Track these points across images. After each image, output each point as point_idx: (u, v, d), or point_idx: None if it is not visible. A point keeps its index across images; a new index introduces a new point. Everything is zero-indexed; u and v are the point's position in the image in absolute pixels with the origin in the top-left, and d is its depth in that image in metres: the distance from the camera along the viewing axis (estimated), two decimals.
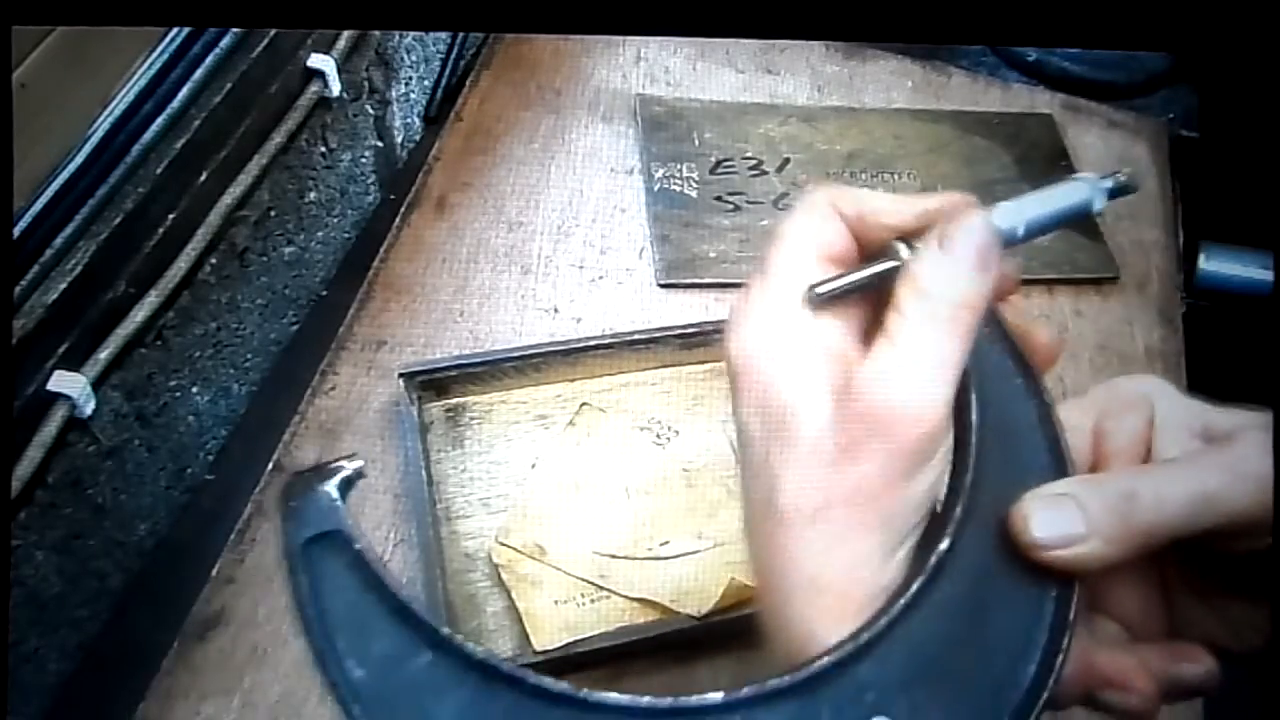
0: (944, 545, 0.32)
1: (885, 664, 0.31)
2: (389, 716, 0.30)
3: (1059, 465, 0.34)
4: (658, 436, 0.66)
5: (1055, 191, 0.36)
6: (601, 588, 0.59)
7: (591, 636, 0.56)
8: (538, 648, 0.55)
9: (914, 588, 0.31)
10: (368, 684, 0.30)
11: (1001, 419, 0.34)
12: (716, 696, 0.30)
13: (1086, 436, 0.36)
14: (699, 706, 0.30)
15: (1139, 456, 0.35)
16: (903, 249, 0.34)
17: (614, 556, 0.60)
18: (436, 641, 0.30)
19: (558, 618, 0.57)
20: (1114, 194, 0.37)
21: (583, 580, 0.59)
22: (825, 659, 0.31)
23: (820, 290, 0.34)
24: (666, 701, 0.30)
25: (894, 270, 0.34)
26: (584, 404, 0.67)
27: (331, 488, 0.32)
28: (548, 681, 0.30)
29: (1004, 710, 0.31)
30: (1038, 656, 0.31)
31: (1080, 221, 0.40)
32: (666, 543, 0.61)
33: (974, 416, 0.33)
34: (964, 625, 0.32)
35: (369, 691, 0.30)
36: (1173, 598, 0.36)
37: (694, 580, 0.59)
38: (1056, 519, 0.32)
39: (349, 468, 0.32)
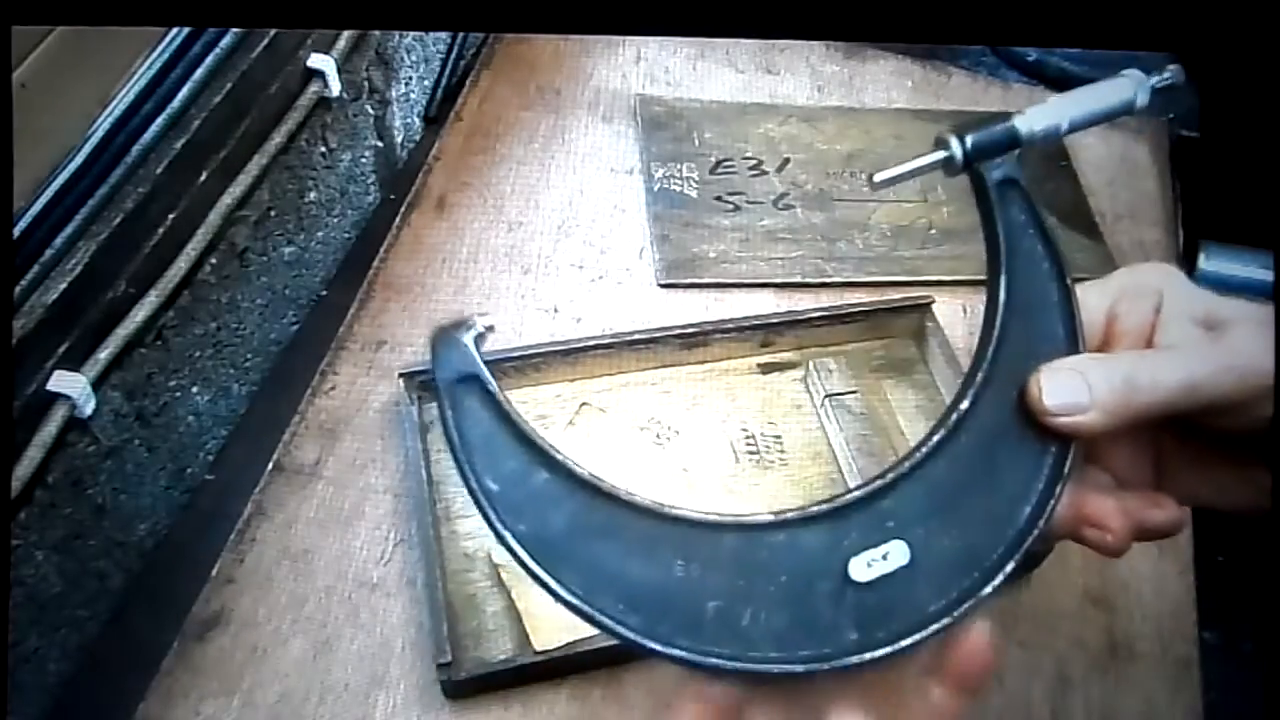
0: (965, 404, 0.38)
1: (905, 499, 0.37)
2: (516, 519, 0.37)
3: (1073, 343, 0.39)
4: (658, 436, 0.66)
5: (1100, 88, 0.42)
6: None
7: (591, 636, 0.55)
8: (537, 647, 0.56)
9: (935, 438, 0.38)
10: (499, 494, 0.37)
11: (1027, 297, 0.39)
12: (768, 516, 0.38)
13: (1100, 316, 0.40)
14: (753, 524, 0.38)
15: (1144, 338, 0.39)
16: (953, 140, 0.39)
17: None
18: (552, 463, 0.37)
19: (557, 617, 0.57)
20: (1159, 92, 0.42)
21: None
22: (856, 492, 0.37)
23: (879, 180, 0.39)
24: (729, 518, 0.38)
25: (946, 160, 0.39)
26: (584, 404, 0.67)
27: (469, 339, 0.38)
28: (638, 498, 0.38)
29: (1002, 542, 0.37)
30: (1034, 500, 0.38)
31: (1126, 114, 0.42)
32: None
33: (1002, 292, 0.39)
34: (975, 472, 0.38)
35: (501, 500, 0.37)
36: (1164, 458, 0.41)
37: None
38: (1065, 390, 0.37)
39: (481, 325, 0.38)
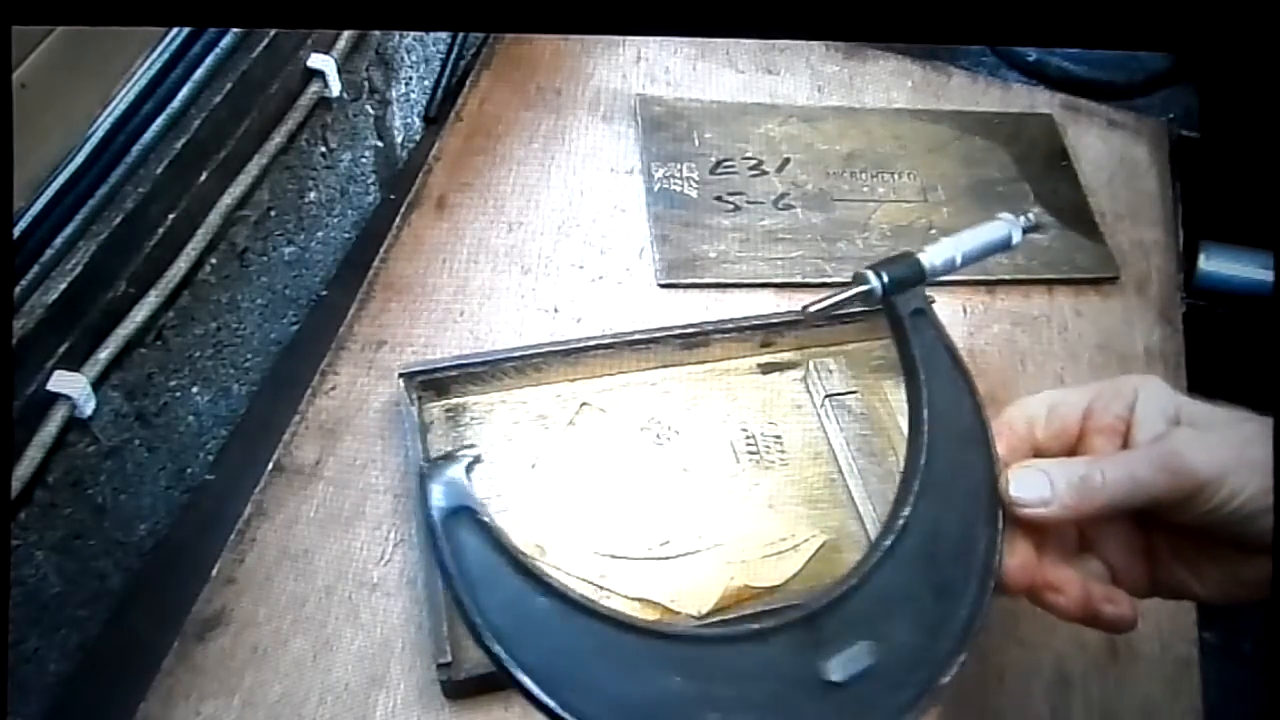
0: (906, 511, 0.43)
1: (865, 603, 0.41)
2: (518, 647, 0.38)
3: (988, 447, 0.44)
4: (658, 436, 0.66)
5: (982, 229, 0.49)
6: (601, 588, 0.58)
7: None
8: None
9: (885, 544, 0.42)
10: (501, 626, 0.38)
11: (945, 408, 0.45)
12: (752, 626, 0.41)
13: (1076, 413, 0.45)
14: (739, 634, 0.41)
15: (1118, 435, 0.44)
16: (871, 276, 0.45)
17: (614, 556, 0.60)
18: (549, 590, 0.39)
19: None
20: (1027, 230, 0.51)
21: (583, 580, 0.59)
22: (823, 599, 0.41)
23: (812, 310, 0.45)
24: (717, 631, 0.42)
25: (867, 293, 0.45)
26: (584, 404, 0.67)
27: (459, 471, 0.41)
28: (632, 618, 0.40)
29: (953, 632, 0.42)
30: (973, 591, 0.42)
31: (1005, 249, 0.50)
32: (666, 543, 0.61)
33: (925, 409, 0.45)
34: (922, 571, 0.42)
35: (503, 631, 0.38)
36: (1154, 552, 0.45)
37: (694, 580, 0.59)
38: (1031, 486, 0.43)
39: (471, 455, 0.41)
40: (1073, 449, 0.45)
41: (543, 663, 0.38)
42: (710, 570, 0.60)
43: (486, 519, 0.40)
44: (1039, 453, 0.45)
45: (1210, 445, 0.42)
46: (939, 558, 0.43)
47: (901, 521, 0.43)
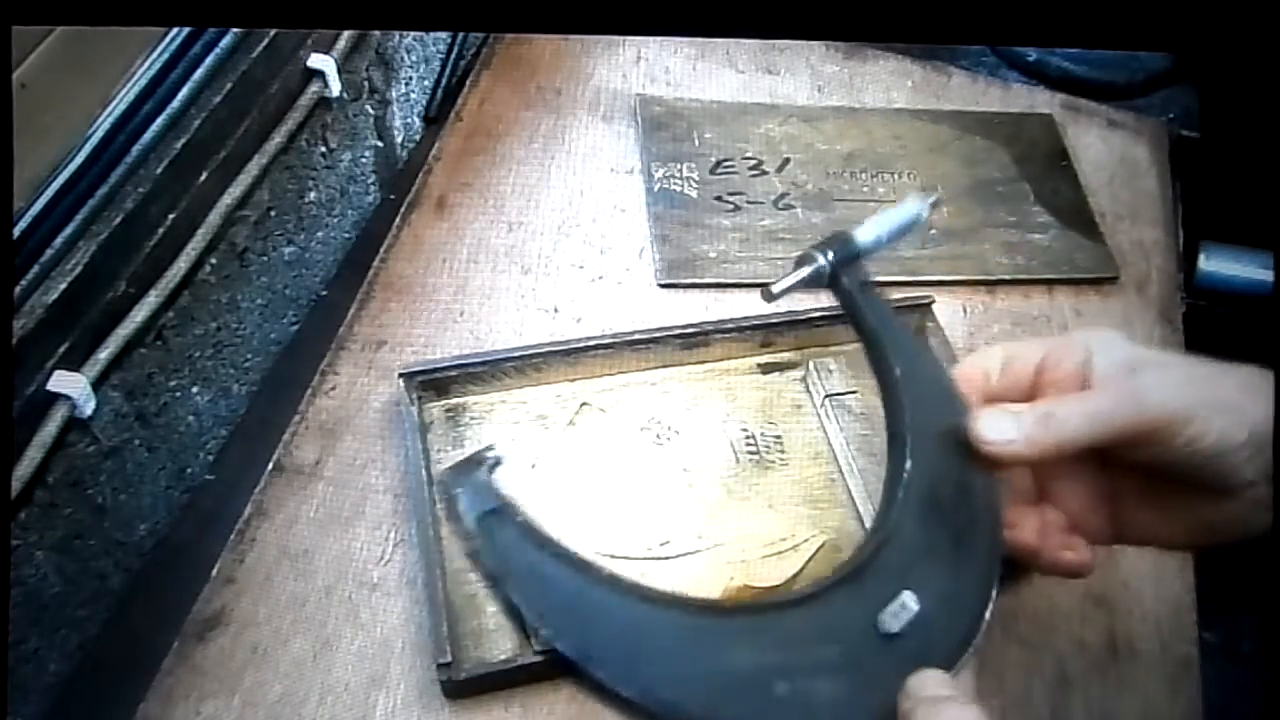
0: (908, 465, 0.46)
1: (897, 553, 0.43)
2: (583, 641, 0.39)
3: (960, 404, 0.46)
4: (657, 436, 0.66)
5: (897, 209, 0.50)
6: None
7: None
8: (537, 647, 0.56)
9: (898, 495, 0.45)
10: (561, 620, 0.39)
11: (908, 363, 0.47)
12: (806, 589, 0.43)
13: (1029, 367, 0.46)
14: (793, 599, 0.42)
15: (1073, 385, 0.45)
16: (819, 255, 0.48)
17: (614, 556, 0.60)
18: (600, 576, 0.40)
19: None
20: (934, 207, 0.53)
21: None
22: (865, 553, 0.43)
23: (776, 290, 0.48)
24: (768, 601, 0.45)
25: (817, 271, 0.48)
26: (584, 404, 0.67)
27: (485, 474, 0.41)
28: (686, 596, 0.43)
29: (979, 566, 0.44)
30: (985, 524, 0.45)
31: (914, 230, 0.52)
32: (666, 543, 0.61)
33: (896, 368, 0.47)
34: (935, 516, 0.44)
35: (564, 625, 0.39)
36: (1119, 500, 0.47)
37: (694, 580, 0.59)
38: (998, 426, 0.44)
39: (492, 457, 0.42)
40: (1029, 399, 0.46)
41: (610, 652, 0.39)
42: (710, 570, 0.60)
43: (521, 517, 0.41)
44: (993, 401, 0.46)
45: (1175, 381, 0.43)
46: (944, 506, 0.45)
47: (905, 475, 0.45)
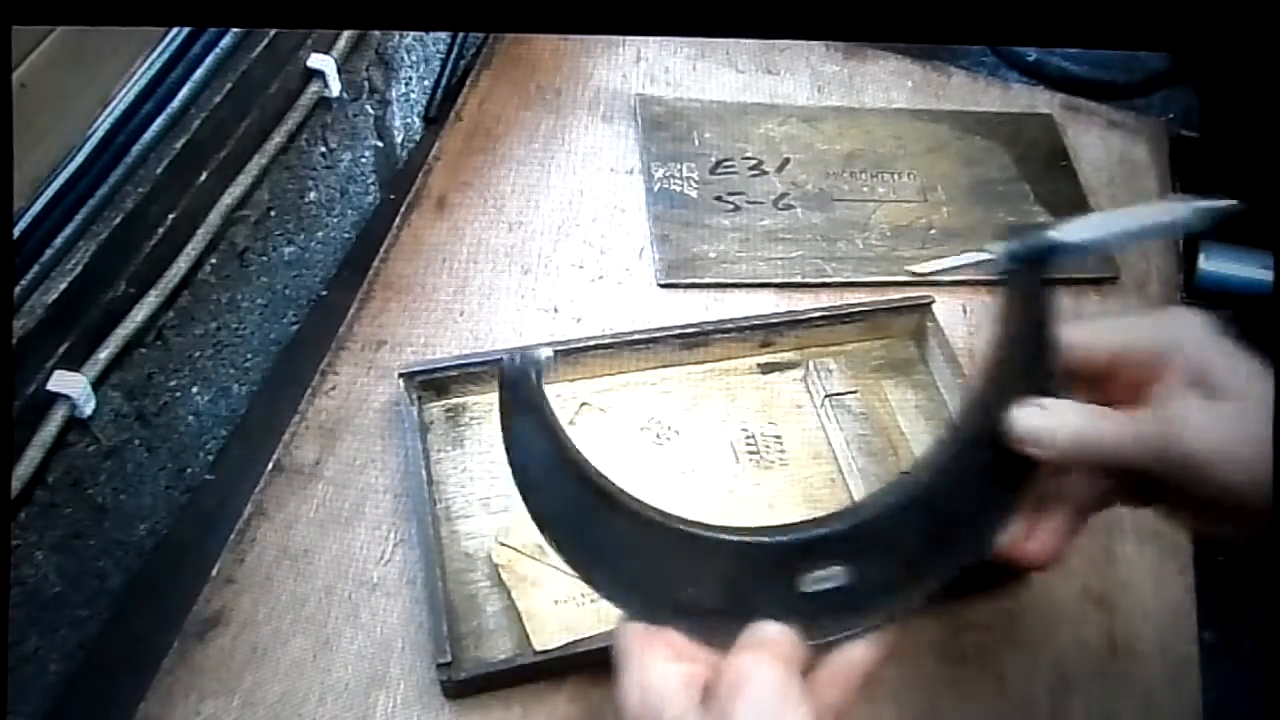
0: (925, 478, 0.47)
1: (853, 538, 0.46)
2: (568, 536, 0.46)
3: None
4: (657, 436, 0.66)
5: (1145, 209, 0.48)
6: None
7: (591, 636, 0.55)
8: (537, 647, 0.56)
9: (891, 500, 0.47)
10: (551, 516, 0.46)
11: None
12: (754, 532, 0.47)
13: (1105, 355, 0.47)
14: (739, 539, 0.47)
15: (1134, 391, 0.45)
16: (996, 246, 0.48)
17: None
18: (599, 490, 0.46)
19: (557, 617, 0.57)
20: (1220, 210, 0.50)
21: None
22: (817, 529, 0.47)
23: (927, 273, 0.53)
24: (765, 538, 0.46)
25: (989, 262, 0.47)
26: (584, 403, 0.67)
27: (531, 370, 0.46)
28: (670, 516, 0.47)
29: (937, 567, 0.46)
30: (968, 546, 0.47)
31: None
32: None
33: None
34: (922, 520, 0.46)
35: (553, 520, 0.46)
36: (1120, 493, 0.48)
37: None
38: (1038, 427, 0.45)
39: (546, 357, 0.46)
40: (1102, 377, 0.47)
41: (591, 556, 0.46)
42: None
43: (549, 419, 0.46)
44: (1069, 374, 0.47)
45: (1212, 424, 0.42)
46: (940, 515, 0.47)
47: (916, 485, 0.47)
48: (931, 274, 0.47)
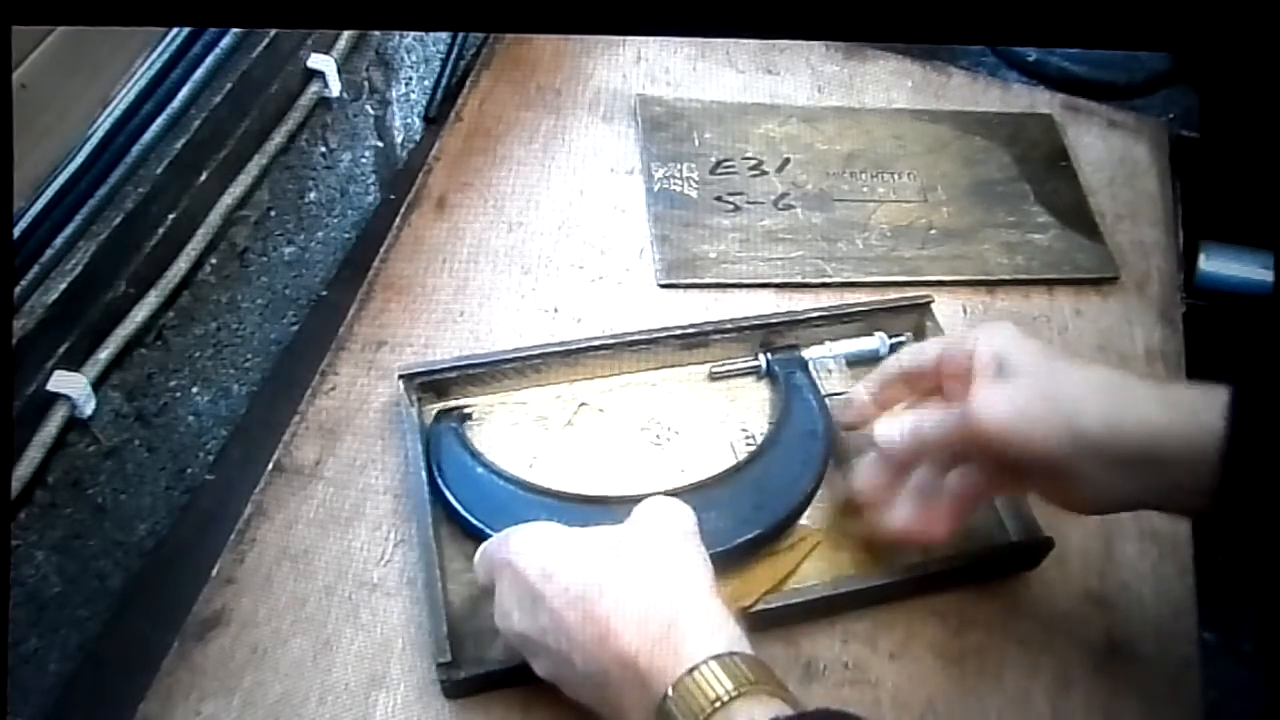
0: (752, 467, 0.63)
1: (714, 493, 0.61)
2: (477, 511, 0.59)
3: (827, 449, 0.64)
4: (657, 437, 0.66)
5: (858, 340, 0.70)
6: None
7: None
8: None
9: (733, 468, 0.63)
10: (472, 503, 0.60)
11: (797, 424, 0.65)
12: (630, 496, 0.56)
13: (932, 359, 0.57)
14: (618, 499, 0.59)
15: (962, 380, 0.54)
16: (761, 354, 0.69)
17: None
18: (508, 478, 0.61)
19: None
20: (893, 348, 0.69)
21: None
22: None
23: (715, 372, 0.69)
24: (601, 499, 0.60)
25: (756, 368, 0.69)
26: (582, 404, 0.67)
27: (456, 417, 0.64)
28: (563, 490, 0.61)
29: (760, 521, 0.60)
30: (785, 509, 0.61)
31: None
32: None
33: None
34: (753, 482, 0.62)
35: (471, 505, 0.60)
36: (1002, 478, 0.55)
37: None
38: (887, 432, 0.57)
39: (466, 410, 0.65)
40: (937, 388, 0.57)
41: (501, 522, 0.55)
42: None
43: (463, 436, 0.62)
44: (911, 389, 0.59)
45: (998, 400, 0.51)
46: (768, 489, 0.61)
47: (744, 469, 0.63)
48: (724, 373, 0.68)
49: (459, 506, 0.59)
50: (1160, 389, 0.49)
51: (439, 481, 0.60)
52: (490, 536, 0.54)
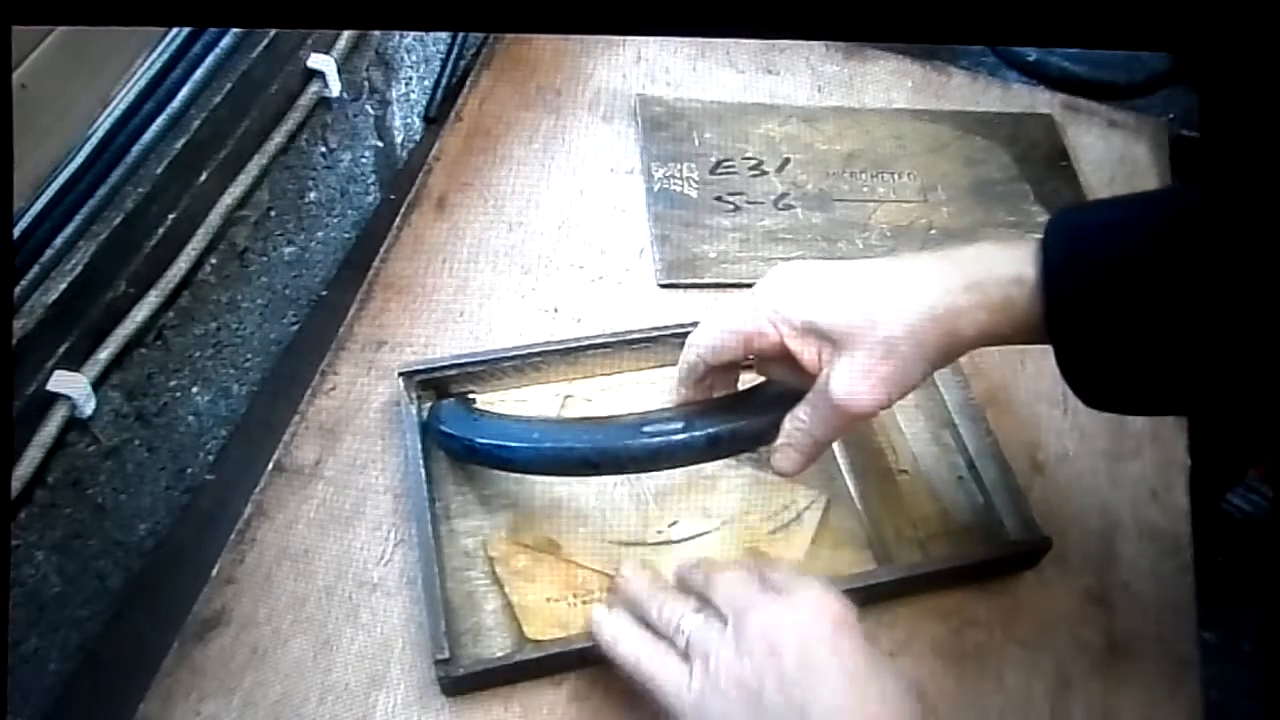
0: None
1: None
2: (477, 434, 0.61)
3: None
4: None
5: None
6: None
7: (578, 635, 0.55)
8: (530, 636, 0.56)
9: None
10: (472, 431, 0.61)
11: None
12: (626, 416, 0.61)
13: (736, 348, 0.57)
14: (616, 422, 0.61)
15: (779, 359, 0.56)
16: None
17: (626, 544, 0.60)
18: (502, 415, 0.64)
19: (550, 613, 0.57)
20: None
21: (599, 572, 0.59)
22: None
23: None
24: (634, 416, 0.60)
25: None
26: (568, 395, 0.67)
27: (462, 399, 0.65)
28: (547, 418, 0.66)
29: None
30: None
31: None
32: (675, 523, 0.61)
33: None
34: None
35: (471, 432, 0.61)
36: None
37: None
38: (784, 463, 0.57)
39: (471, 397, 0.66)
40: (746, 366, 0.59)
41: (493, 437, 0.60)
42: (722, 550, 0.61)
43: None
44: (721, 379, 0.59)
45: (862, 386, 0.51)
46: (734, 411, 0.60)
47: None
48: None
49: (450, 431, 0.61)
50: (959, 271, 0.51)
51: (437, 434, 0.62)
52: (477, 449, 0.60)
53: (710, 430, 0.58)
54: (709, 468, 0.64)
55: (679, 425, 0.58)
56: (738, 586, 0.50)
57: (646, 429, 0.58)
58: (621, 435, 0.58)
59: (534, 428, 0.60)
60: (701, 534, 0.61)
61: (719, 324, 0.57)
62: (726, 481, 0.63)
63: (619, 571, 0.56)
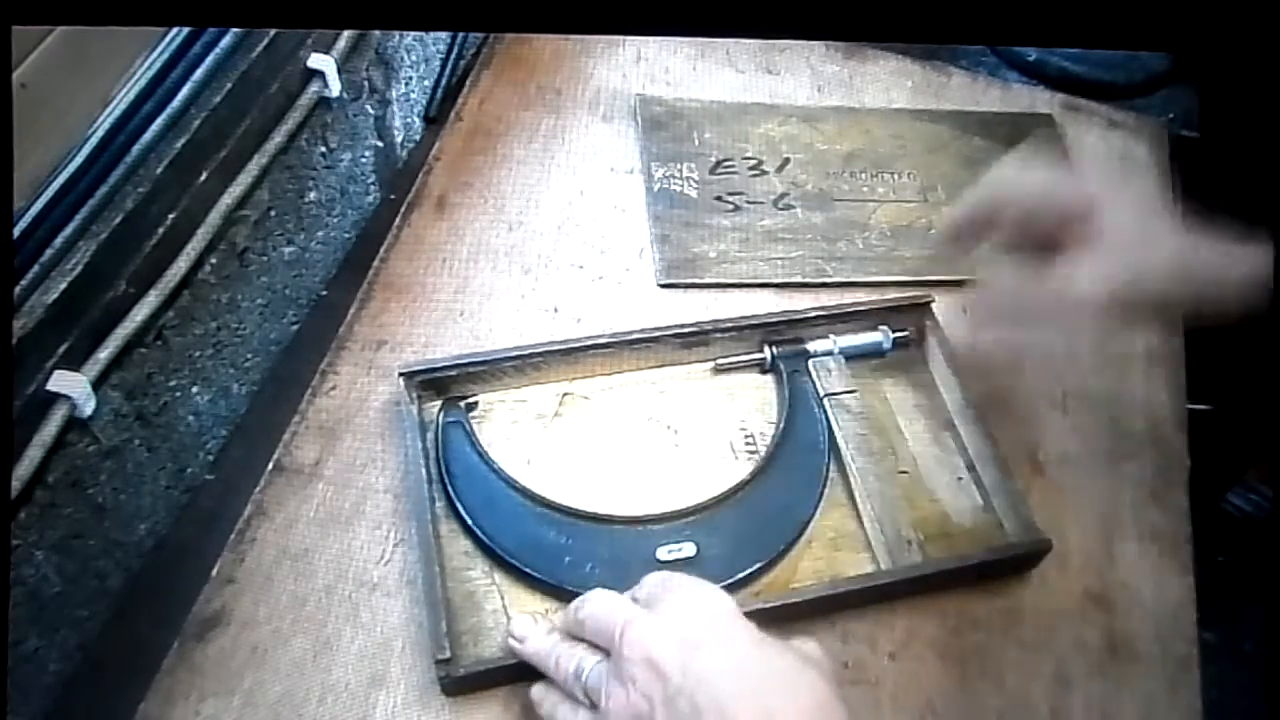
0: (750, 480, 0.63)
1: (701, 521, 0.61)
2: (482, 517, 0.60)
3: (824, 462, 0.65)
4: (656, 435, 0.66)
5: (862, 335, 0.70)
6: None
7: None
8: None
9: (732, 492, 0.62)
10: (474, 506, 0.61)
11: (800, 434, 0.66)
12: (624, 517, 0.61)
13: (1037, 196, 0.61)
14: (613, 519, 0.61)
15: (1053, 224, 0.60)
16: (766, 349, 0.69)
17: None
18: (510, 484, 0.62)
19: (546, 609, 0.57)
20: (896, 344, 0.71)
21: None
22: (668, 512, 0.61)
23: (721, 364, 0.69)
24: (601, 516, 0.60)
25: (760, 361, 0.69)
26: (566, 393, 0.67)
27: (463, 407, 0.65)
28: (569, 506, 0.61)
29: (756, 553, 0.60)
30: (784, 540, 0.61)
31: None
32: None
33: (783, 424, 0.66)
34: (754, 510, 0.62)
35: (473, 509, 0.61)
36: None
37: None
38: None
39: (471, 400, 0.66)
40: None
41: (499, 528, 0.60)
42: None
43: (471, 433, 0.63)
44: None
45: (1098, 279, 0.56)
46: (769, 514, 0.62)
47: (746, 485, 0.63)
48: (726, 364, 0.68)
49: (464, 511, 0.60)
50: (1227, 257, 0.58)
51: (446, 481, 0.61)
52: (491, 542, 0.59)
53: None
54: (714, 487, 0.64)
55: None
56: (604, 615, 0.49)
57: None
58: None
59: (530, 514, 0.61)
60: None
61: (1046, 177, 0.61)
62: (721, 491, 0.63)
63: (509, 633, 0.54)
